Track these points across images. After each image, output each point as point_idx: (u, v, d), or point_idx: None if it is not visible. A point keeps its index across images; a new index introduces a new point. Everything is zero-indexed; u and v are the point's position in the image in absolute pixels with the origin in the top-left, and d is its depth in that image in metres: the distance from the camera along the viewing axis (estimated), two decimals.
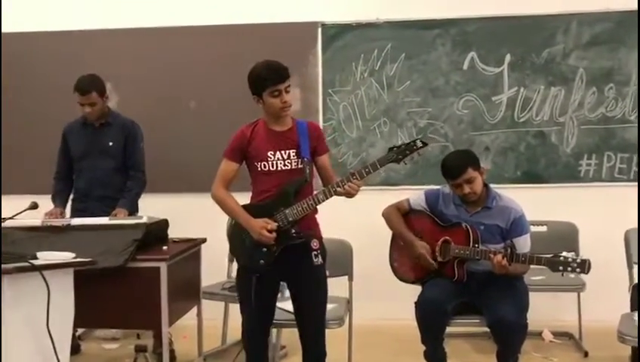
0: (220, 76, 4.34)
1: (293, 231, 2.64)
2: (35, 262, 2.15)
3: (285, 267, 2.68)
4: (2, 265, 2.06)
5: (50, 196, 3.62)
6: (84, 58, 4.24)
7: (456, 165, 3.00)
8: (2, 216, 2.92)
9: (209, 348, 3.62)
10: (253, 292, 2.66)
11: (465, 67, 4.23)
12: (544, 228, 3.91)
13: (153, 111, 4.24)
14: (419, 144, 2.65)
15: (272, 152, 2.69)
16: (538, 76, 4.19)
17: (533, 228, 3.43)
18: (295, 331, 2.91)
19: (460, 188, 3.00)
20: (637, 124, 4.12)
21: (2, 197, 3.68)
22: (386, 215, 3.23)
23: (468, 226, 3.02)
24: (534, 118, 4.21)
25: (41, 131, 4.27)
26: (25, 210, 2.75)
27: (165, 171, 4.10)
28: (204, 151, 4.29)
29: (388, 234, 3.26)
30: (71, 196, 3.70)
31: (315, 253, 2.68)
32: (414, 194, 3.26)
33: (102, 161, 3.61)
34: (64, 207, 3.61)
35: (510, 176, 4.23)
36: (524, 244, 2.99)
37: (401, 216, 3.21)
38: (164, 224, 3.32)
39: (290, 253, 2.66)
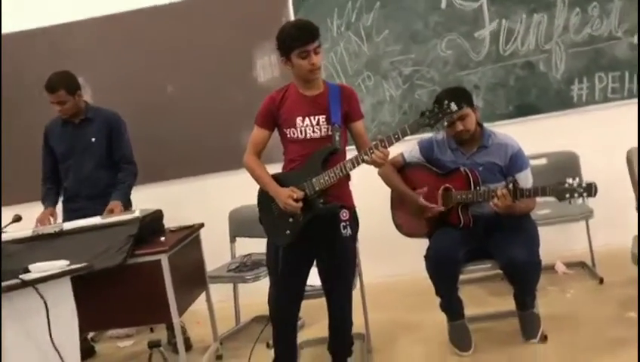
0: (192, 54, 4.21)
1: (321, 201, 2.56)
2: (27, 277, 2.08)
3: (313, 238, 2.60)
4: None
5: (34, 203, 3.54)
6: (54, 54, 4.13)
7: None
8: None
9: (224, 329, 3.60)
10: (280, 263, 2.60)
11: (443, 6, 4.08)
12: (544, 160, 3.85)
13: (131, 99, 4.12)
14: (453, 108, 2.50)
15: (301, 118, 2.59)
16: (518, 6, 4.05)
17: (532, 161, 3.36)
18: (312, 302, 2.87)
19: (452, 126, 2.93)
20: (628, 40, 4.00)
21: None
22: (383, 174, 3.14)
23: (467, 170, 2.95)
24: (520, 48, 4.09)
25: (20, 137, 4.15)
26: (8, 224, 2.66)
27: (152, 160, 4.00)
28: (187, 134, 4.22)
29: (386, 192, 3.19)
30: (61, 198, 3.61)
31: (344, 223, 2.58)
32: (407, 147, 3.17)
33: (86, 158, 3.52)
34: (54, 206, 3.54)
35: (502, 112, 4.13)
36: (525, 180, 2.93)
37: (397, 172, 3.14)
38: (158, 214, 3.24)
39: (319, 223, 2.57)
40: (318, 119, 2.59)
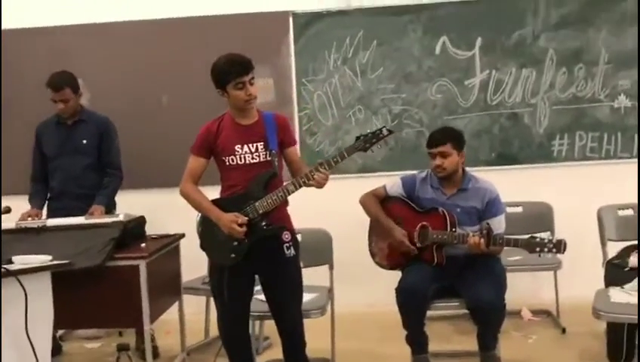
0: (191, 69, 4.28)
1: (264, 223, 2.65)
2: (11, 267, 2.12)
3: (257, 260, 2.69)
4: None
5: (25, 197, 3.59)
6: (53, 56, 4.17)
7: (439, 136, 3.08)
8: None
9: (192, 342, 3.63)
10: (225, 287, 2.67)
11: (437, 52, 4.24)
12: (520, 209, 3.97)
13: (125, 107, 4.18)
14: (385, 132, 2.67)
15: (240, 146, 2.69)
16: (509, 58, 4.23)
17: (509, 209, 3.49)
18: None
19: (432, 158, 3.06)
20: (609, 104, 4.19)
21: None
22: (364, 202, 3.25)
23: (445, 211, 3.05)
24: (507, 100, 4.26)
25: (14, 130, 4.19)
26: None
27: (140, 167, 4.05)
28: (179, 145, 4.23)
29: (366, 220, 3.28)
30: (47, 195, 3.65)
31: (287, 244, 2.69)
32: (391, 181, 3.28)
33: (76, 159, 3.58)
34: (41, 208, 3.57)
35: (485, 159, 4.27)
36: (498, 225, 3.05)
37: (379, 203, 3.24)
38: (141, 221, 3.30)
39: (261, 246, 2.66)
40: (257, 146, 2.70)
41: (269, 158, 2.69)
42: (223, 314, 2.78)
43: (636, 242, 3.12)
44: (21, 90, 4.24)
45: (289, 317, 2.78)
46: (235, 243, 2.65)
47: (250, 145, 2.69)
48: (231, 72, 2.62)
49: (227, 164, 2.71)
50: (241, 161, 2.69)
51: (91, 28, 4.28)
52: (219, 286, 2.71)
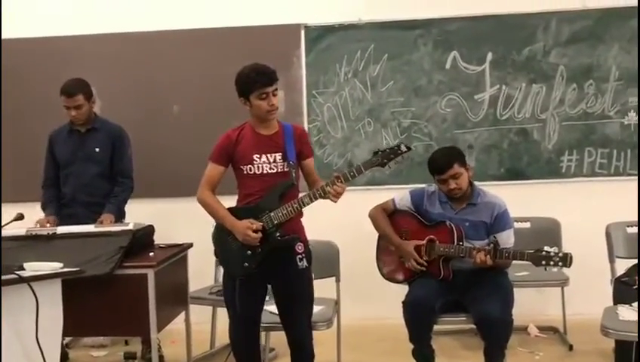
0: (203, 80, 4.33)
1: (278, 234, 2.66)
2: (23, 274, 2.14)
3: (270, 271, 2.70)
4: None
5: (35, 204, 3.61)
6: (66, 64, 4.21)
7: (444, 161, 3.05)
8: None
9: (198, 352, 3.63)
10: (237, 296, 2.68)
11: (447, 66, 4.26)
12: (527, 224, 3.96)
13: (136, 116, 4.22)
14: (403, 148, 2.68)
15: (258, 155, 2.71)
16: (519, 74, 4.23)
17: (516, 225, 3.48)
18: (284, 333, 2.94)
19: (446, 184, 3.04)
20: (619, 121, 4.19)
21: None
22: (372, 216, 3.25)
23: (452, 224, 3.05)
24: (516, 115, 4.26)
25: (26, 138, 4.23)
26: (10, 221, 2.73)
27: (150, 176, 4.08)
28: (189, 155, 4.29)
29: (374, 233, 3.28)
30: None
31: (300, 256, 2.70)
32: (399, 194, 3.28)
33: (88, 167, 3.60)
34: (56, 215, 3.56)
35: (494, 173, 4.27)
36: (507, 239, 3.04)
37: (387, 217, 3.24)
38: (150, 230, 3.31)
39: (274, 256, 2.67)
40: (275, 157, 2.72)
41: (286, 169, 2.71)
42: (234, 323, 2.79)
43: None
44: (32, 99, 4.28)
45: (299, 328, 2.79)
46: (249, 252, 2.66)
47: (269, 155, 2.72)
48: (256, 81, 2.65)
49: (245, 172, 2.73)
50: (258, 170, 2.71)
51: (104, 38, 4.32)
52: (231, 296, 2.72)
